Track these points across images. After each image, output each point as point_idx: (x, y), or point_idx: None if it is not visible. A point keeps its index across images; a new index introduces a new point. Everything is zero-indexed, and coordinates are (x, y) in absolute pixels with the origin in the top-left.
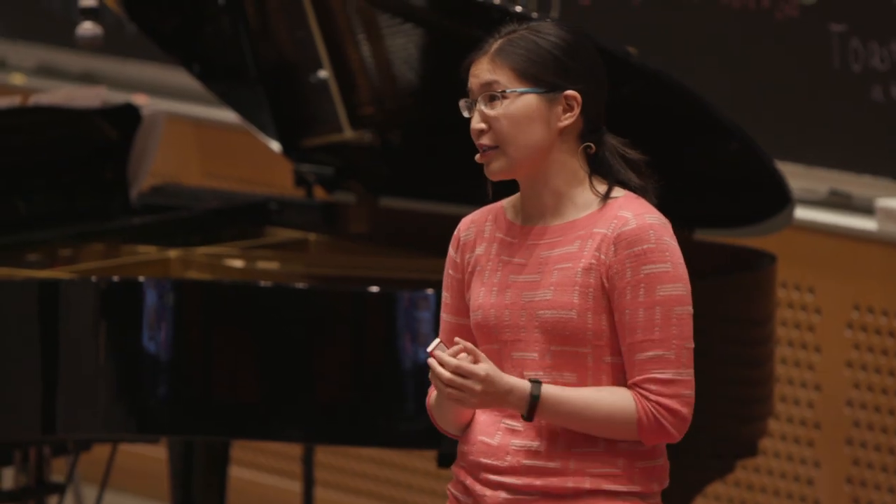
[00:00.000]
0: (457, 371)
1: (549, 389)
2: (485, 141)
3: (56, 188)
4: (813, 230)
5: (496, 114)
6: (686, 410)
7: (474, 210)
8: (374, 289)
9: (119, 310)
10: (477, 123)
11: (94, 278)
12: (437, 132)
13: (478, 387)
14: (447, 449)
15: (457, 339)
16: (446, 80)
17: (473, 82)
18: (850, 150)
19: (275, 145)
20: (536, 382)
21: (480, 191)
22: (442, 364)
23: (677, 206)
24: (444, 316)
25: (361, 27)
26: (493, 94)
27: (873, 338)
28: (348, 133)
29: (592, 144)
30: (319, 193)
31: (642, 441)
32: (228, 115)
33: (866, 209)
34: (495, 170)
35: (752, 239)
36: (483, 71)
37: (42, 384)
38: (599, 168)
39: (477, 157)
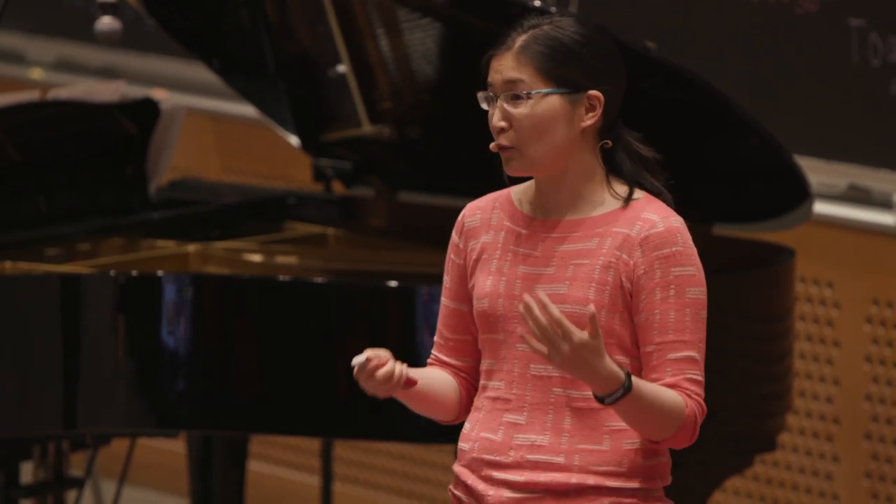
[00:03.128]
0: (558, 324)
1: (635, 385)
2: (504, 141)
3: (75, 183)
4: (832, 225)
5: (519, 113)
6: (706, 410)
7: None
8: (393, 283)
9: (138, 304)
10: (498, 121)
11: (113, 273)
12: (456, 127)
13: (566, 348)
14: None
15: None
16: (465, 75)
17: (496, 77)
18: (868, 144)
19: (293, 140)
20: (628, 374)
21: (498, 185)
22: (544, 309)
23: (696, 200)
24: (443, 300)
25: (380, 22)
26: (517, 94)
27: (892, 332)
28: (367, 128)
29: (610, 141)
30: (338, 188)
31: (672, 441)
32: (247, 110)
33: (885, 204)
34: (516, 167)
35: (771, 233)
36: (506, 68)
37: (62, 379)
38: (616, 166)
39: (492, 145)
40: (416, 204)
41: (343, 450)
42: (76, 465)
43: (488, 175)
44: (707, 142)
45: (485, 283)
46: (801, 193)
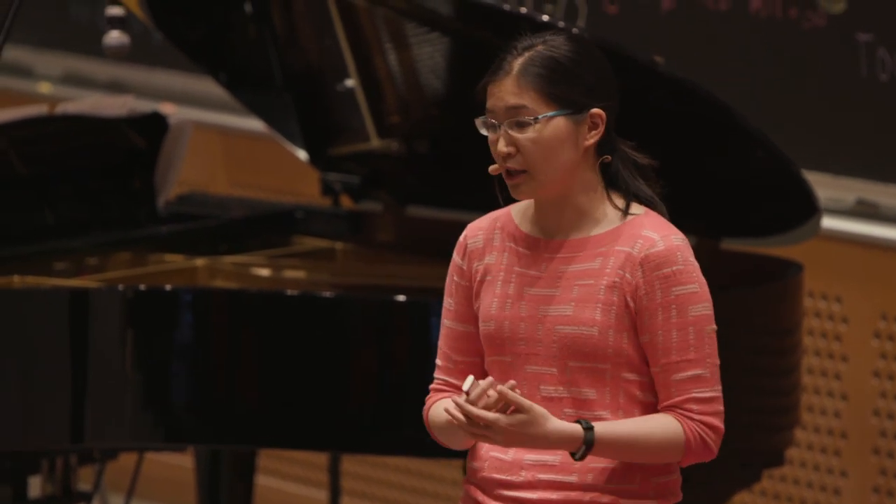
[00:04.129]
0: (475, 417)
1: (600, 432)
2: (513, 165)
3: (83, 197)
4: (840, 239)
5: (526, 139)
6: (722, 426)
7: None
8: (401, 297)
9: (146, 319)
10: (504, 147)
11: (121, 287)
12: (464, 141)
13: (498, 437)
14: None
15: (500, 388)
16: (473, 89)
17: (496, 104)
18: (877, 159)
19: (301, 154)
20: (588, 427)
21: (505, 200)
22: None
23: (704, 215)
24: (446, 322)
25: (388, 36)
26: (522, 121)
27: None
28: (375, 142)
29: (609, 156)
30: (346, 202)
31: (683, 462)
32: (255, 124)
33: (893, 219)
34: (524, 192)
35: (779, 248)
36: (507, 93)
37: (69, 393)
38: (613, 178)
39: (491, 167)
40: (425, 218)
41: (351, 464)
42: (84, 480)
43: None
44: (715, 156)
45: (490, 306)
46: (809, 208)
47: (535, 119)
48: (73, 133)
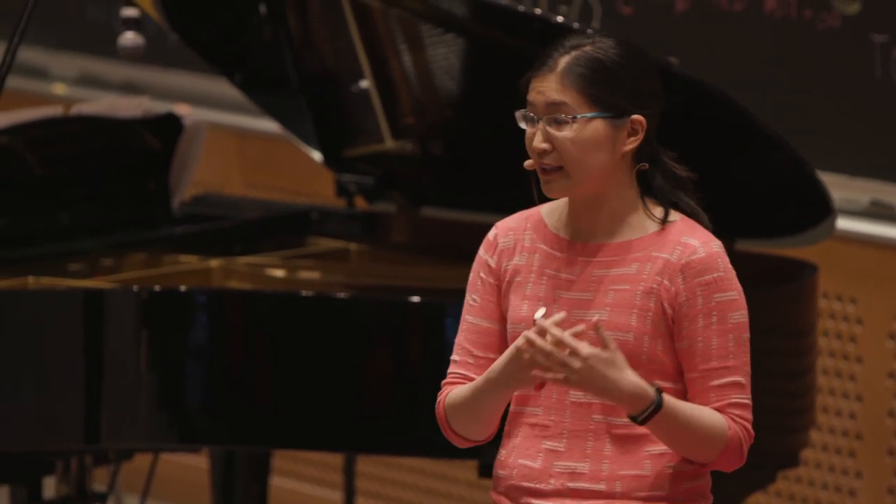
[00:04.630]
0: (561, 344)
1: (667, 399)
2: (549, 161)
3: (98, 198)
4: (855, 240)
5: (564, 137)
6: (753, 434)
7: None
8: (416, 298)
9: (161, 319)
10: (540, 143)
11: (135, 288)
12: (479, 142)
13: (577, 364)
14: (488, 459)
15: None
16: (487, 90)
17: (537, 98)
18: (892, 160)
19: (316, 155)
20: (658, 390)
21: (521, 201)
22: (543, 335)
23: (719, 215)
24: (469, 318)
25: (403, 37)
26: (561, 118)
27: None
28: (389, 143)
29: (647, 164)
30: (361, 203)
31: (716, 462)
32: (270, 125)
33: None
34: (557, 189)
35: (794, 249)
36: (549, 89)
37: (84, 394)
38: (651, 186)
39: (527, 163)
40: (439, 219)
41: (365, 465)
42: (99, 480)
43: (511, 190)
44: (729, 157)
45: (520, 308)
46: (823, 209)
47: (574, 118)
48: (88, 134)
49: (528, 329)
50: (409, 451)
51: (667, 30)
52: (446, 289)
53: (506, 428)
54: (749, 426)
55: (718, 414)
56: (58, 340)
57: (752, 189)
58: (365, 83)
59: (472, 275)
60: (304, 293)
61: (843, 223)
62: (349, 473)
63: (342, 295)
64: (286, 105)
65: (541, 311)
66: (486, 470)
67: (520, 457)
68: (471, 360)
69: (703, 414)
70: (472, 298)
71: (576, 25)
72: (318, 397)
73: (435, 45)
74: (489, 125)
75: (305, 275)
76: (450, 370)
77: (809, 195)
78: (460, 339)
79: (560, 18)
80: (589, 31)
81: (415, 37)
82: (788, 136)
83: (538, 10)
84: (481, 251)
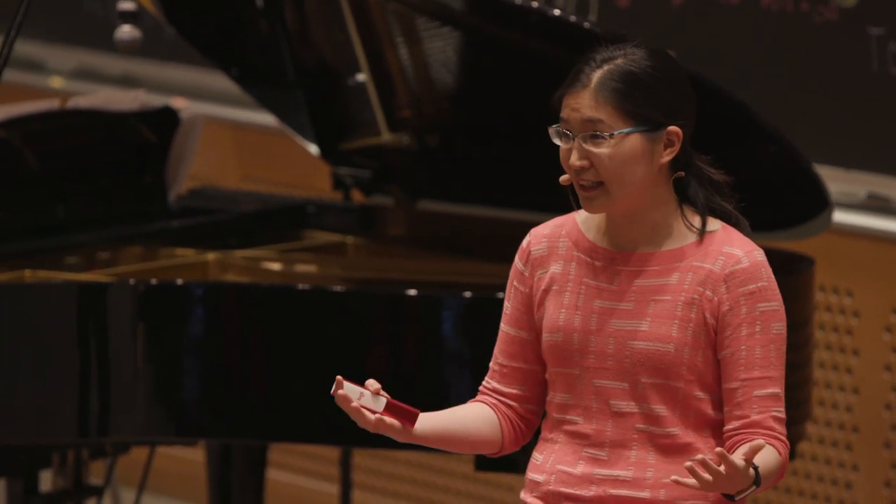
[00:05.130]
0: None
1: (760, 472)
2: (588, 178)
3: (94, 191)
4: (851, 233)
5: (601, 153)
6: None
7: (511, 213)
8: (412, 292)
9: (157, 313)
10: (577, 161)
11: (132, 281)
12: (475, 135)
13: (723, 485)
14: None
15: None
16: (484, 83)
17: (573, 116)
18: (888, 153)
19: (313, 148)
20: (755, 467)
21: (518, 194)
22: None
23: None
24: (504, 327)
25: (399, 30)
26: (598, 134)
27: None
28: (386, 136)
29: (683, 172)
30: (357, 196)
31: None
32: (267, 119)
33: None
34: (598, 206)
35: (791, 242)
36: (585, 106)
37: (80, 387)
38: (688, 194)
39: (562, 178)
40: (436, 212)
41: (362, 458)
42: (95, 474)
43: (506, 183)
44: (727, 150)
45: (558, 317)
46: (820, 202)
47: (611, 135)
48: (85, 128)
49: (564, 338)
50: (406, 445)
51: (664, 23)
52: (443, 282)
53: (542, 432)
54: (786, 439)
55: (772, 450)
56: (54, 334)
57: (749, 182)
58: (361, 76)
59: (508, 282)
60: (300, 286)
61: (840, 216)
62: (346, 466)
63: (339, 288)
64: (283, 98)
65: None
66: (482, 463)
67: (558, 462)
68: (496, 368)
69: (769, 459)
70: (505, 306)
71: (573, 18)
72: (315, 390)
73: (431, 37)
74: (486, 118)
75: (302, 268)
76: (487, 376)
77: (806, 188)
78: (496, 347)
79: (557, 11)
80: (621, 42)
81: (411, 30)
82: (785, 129)
83: (535, 3)
84: (515, 259)
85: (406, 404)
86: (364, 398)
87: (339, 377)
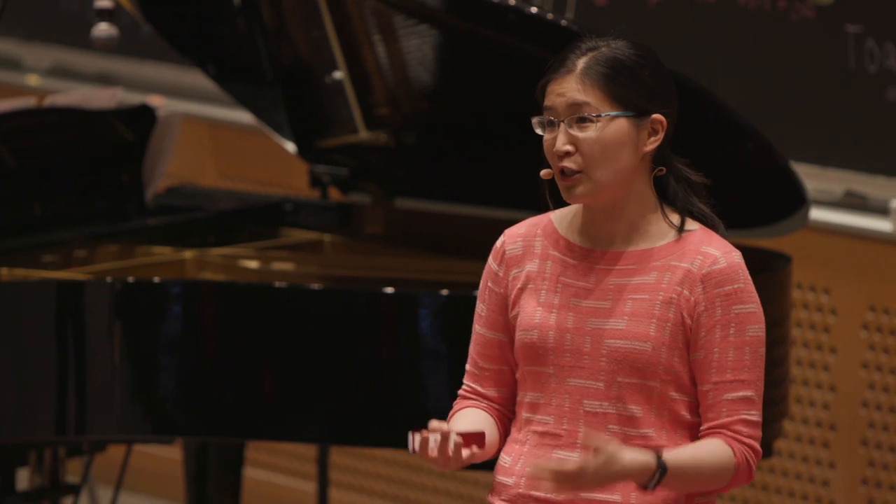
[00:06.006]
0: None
1: (670, 462)
2: (570, 164)
3: (71, 189)
4: (828, 231)
5: (587, 137)
6: (761, 450)
7: (489, 211)
8: (389, 290)
9: (134, 311)
10: (563, 145)
11: (109, 279)
12: (453, 133)
13: (589, 482)
14: None
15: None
16: (462, 81)
17: (558, 101)
18: (865, 150)
19: (290, 146)
20: (659, 458)
21: (495, 192)
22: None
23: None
24: (476, 327)
25: (377, 28)
26: (585, 117)
27: (889, 339)
28: (363, 134)
29: (664, 168)
30: (334, 194)
31: (727, 487)
32: (244, 117)
33: (882, 210)
34: (579, 194)
35: (768, 240)
36: (571, 90)
37: (57, 385)
38: (667, 193)
39: (543, 171)
40: (413, 210)
41: (339, 456)
42: (72, 472)
43: (483, 181)
44: (703, 148)
45: (533, 315)
46: (797, 200)
47: (598, 116)
48: (62, 126)
49: (540, 336)
50: (383, 443)
51: (641, 21)
52: (420, 280)
53: (512, 433)
54: (756, 444)
55: (722, 445)
56: (31, 332)
57: (726, 180)
58: (339, 74)
59: (481, 282)
60: (277, 284)
61: (817, 213)
62: (323, 465)
63: (316, 286)
64: (260, 96)
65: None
66: None
67: (528, 465)
68: (477, 372)
69: (707, 453)
70: (479, 308)
71: (550, 16)
72: (292, 388)
73: (409, 35)
74: (463, 116)
75: (279, 266)
76: (464, 380)
77: (783, 186)
78: (471, 349)
79: (534, 9)
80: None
81: (389, 27)
82: (762, 127)
83: (512, 1)
84: (489, 259)
85: (468, 430)
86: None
87: (421, 433)
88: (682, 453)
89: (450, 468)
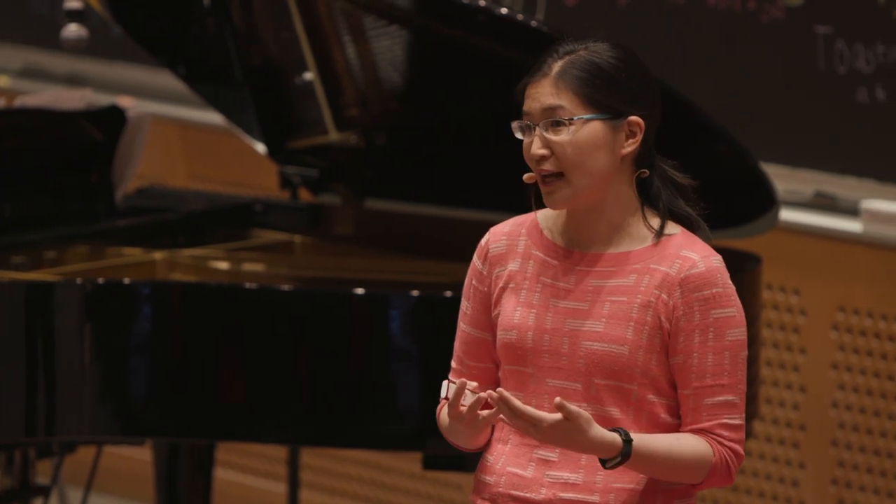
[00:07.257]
0: (521, 415)
1: (638, 443)
2: (548, 167)
3: (41, 190)
4: (798, 232)
5: (561, 140)
6: (744, 453)
7: (459, 212)
8: (359, 290)
9: (104, 312)
10: (538, 149)
11: (79, 280)
12: (423, 134)
13: (538, 434)
14: (432, 451)
15: (556, 401)
16: (431, 82)
17: (533, 105)
18: (835, 151)
19: (260, 147)
20: (627, 440)
21: (465, 193)
22: (512, 408)
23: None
24: (461, 325)
25: (347, 29)
26: (558, 121)
27: (858, 339)
28: (333, 135)
29: (647, 170)
30: (305, 195)
31: (704, 485)
32: (214, 117)
33: (851, 211)
34: (559, 199)
35: (738, 240)
36: (545, 94)
37: (27, 386)
38: (650, 195)
39: (526, 176)
40: (383, 211)
41: (310, 457)
42: (42, 473)
43: (453, 182)
44: (673, 149)
45: (513, 315)
46: (767, 201)
47: (571, 120)
48: (31, 127)
49: (518, 336)
50: (354, 444)
51: (611, 21)
52: (391, 281)
53: (494, 433)
54: (738, 447)
55: (700, 441)
56: (0, 333)
57: (696, 180)
58: (309, 75)
59: (466, 280)
60: (247, 285)
61: (787, 214)
62: (293, 465)
63: (286, 287)
64: (230, 97)
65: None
66: (430, 462)
67: (509, 464)
68: (464, 369)
69: (682, 445)
70: (464, 305)
71: (520, 17)
72: (262, 389)
73: (379, 36)
74: (433, 117)
75: (249, 267)
76: (448, 376)
77: (753, 186)
78: (456, 346)
79: (504, 10)
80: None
81: (359, 28)
82: (732, 128)
83: (482, 2)
84: (474, 257)
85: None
86: (467, 398)
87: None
88: (656, 441)
89: (463, 423)
